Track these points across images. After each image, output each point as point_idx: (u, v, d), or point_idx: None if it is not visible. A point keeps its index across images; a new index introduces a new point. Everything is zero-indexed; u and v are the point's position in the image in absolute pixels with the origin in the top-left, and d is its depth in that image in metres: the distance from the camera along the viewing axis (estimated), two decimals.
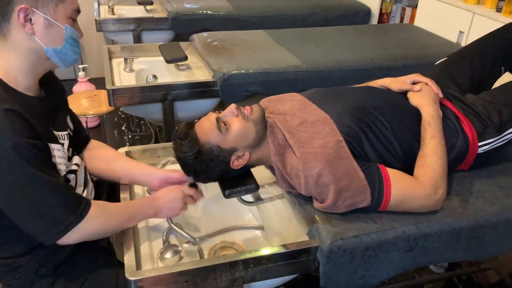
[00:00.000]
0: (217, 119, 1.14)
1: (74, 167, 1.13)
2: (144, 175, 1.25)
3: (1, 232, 1.05)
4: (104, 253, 1.20)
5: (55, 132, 1.07)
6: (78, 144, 1.25)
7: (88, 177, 1.23)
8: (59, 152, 1.05)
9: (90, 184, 1.23)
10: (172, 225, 1.16)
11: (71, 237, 0.99)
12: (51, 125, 1.07)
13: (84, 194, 1.16)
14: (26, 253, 1.07)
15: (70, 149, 1.15)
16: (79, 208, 0.98)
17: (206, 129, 1.14)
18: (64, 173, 1.07)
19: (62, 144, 1.08)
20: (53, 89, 1.15)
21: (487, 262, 1.95)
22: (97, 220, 1.02)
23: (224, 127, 1.13)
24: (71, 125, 1.19)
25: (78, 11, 1.04)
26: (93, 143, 1.31)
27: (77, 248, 1.10)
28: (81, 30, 1.07)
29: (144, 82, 2.10)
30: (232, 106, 1.17)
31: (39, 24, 0.97)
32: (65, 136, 1.12)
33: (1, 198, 0.95)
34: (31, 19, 0.96)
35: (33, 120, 0.96)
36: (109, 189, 1.34)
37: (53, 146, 1.03)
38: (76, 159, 1.16)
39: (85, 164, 1.23)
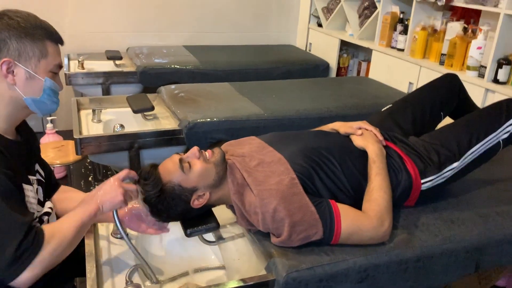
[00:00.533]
0: (180, 160, 1.22)
1: (48, 210, 1.18)
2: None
3: None
4: None
5: (28, 176, 1.12)
6: (48, 190, 1.30)
7: None
8: (31, 193, 1.10)
9: None
10: (131, 246, 1.18)
11: (33, 271, 0.98)
12: (25, 168, 1.12)
13: None
14: None
15: (42, 195, 1.19)
16: (38, 241, 0.99)
17: (169, 169, 1.22)
18: (38, 214, 1.11)
19: (35, 189, 1.13)
20: (27, 136, 1.21)
21: None
22: (52, 243, 1.01)
23: (188, 167, 1.21)
24: (41, 172, 1.24)
25: (60, 66, 1.12)
26: (64, 188, 1.37)
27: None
28: (62, 84, 1.15)
29: (111, 131, 2.17)
30: (195, 149, 1.26)
31: (20, 76, 1.05)
32: (36, 181, 1.17)
33: None
34: (13, 71, 1.04)
35: (11, 160, 1.03)
36: None
37: (26, 187, 1.08)
38: (49, 204, 1.21)
39: (55, 207, 1.28)
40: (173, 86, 2.58)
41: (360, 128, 1.44)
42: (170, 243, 1.46)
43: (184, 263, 1.44)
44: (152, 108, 2.20)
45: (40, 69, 1.07)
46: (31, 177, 1.14)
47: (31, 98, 1.08)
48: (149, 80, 2.96)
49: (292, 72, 3.27)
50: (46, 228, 1.04)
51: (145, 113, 2.29)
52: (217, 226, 1.28)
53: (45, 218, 1.16)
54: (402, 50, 2.82)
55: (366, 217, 1.21)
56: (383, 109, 1.70)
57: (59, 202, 1.31)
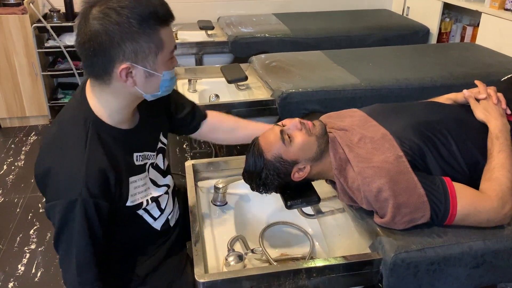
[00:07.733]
0: (281, 132, 1.19)
1: (164, 188, 1.21)
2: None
3: None
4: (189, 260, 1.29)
5: (143, 154, 1.12)
6: (194, 124, 1.36)
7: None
8: (140, 181, 1.10)
9: (176, 207, 1.31)
10: None
11: None
12: (139, 151, 1.11)
13: (171, 216, 1.25)
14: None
15: (162, 162, 1.23)
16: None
17: (271, 141, 1.19)
18: (155, 194, 1.15)
19: (151, 165, 1.15)
20: (151, 107, 1.16)
21: None
22: None
23: (288, 139, 1.17)
24: (164, 140, 1.24)
25: (175, 47, 1.02)
26: (212, 115, 1.40)
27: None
28: (176, 61, 1.05)
29: (207, 101, 2.21)
30: (296, 120, 1.22)
31: (139, 76, 0.97)
32: (154, 156, 1.17)
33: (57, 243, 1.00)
34: (131, 72, 0.96)
35: (118, 159, 1.03)
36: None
37: (134, 178, 1.08)
38: (168, 179, 1.24)
39: (205, 137, 1.42)
40: (263, 56, 2.54)
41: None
42: (267, 212, 1.46)
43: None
44: (246, 78, 2.19)
45: (158, 64, 0.98)
46: (149, 154, 1.15)
47: (151, 94, 1.03)
48: (240, 50, 2.95)
49: (388, 39, 3.07)
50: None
51: (238, 83, 2.29)
52: (318, 200, 1.24)
53: (164, 197, 1.20)
54: None
55: (485, 198, 1.10)
56: (502, 79, 1.52)
57: (208, 133, 1.40)
